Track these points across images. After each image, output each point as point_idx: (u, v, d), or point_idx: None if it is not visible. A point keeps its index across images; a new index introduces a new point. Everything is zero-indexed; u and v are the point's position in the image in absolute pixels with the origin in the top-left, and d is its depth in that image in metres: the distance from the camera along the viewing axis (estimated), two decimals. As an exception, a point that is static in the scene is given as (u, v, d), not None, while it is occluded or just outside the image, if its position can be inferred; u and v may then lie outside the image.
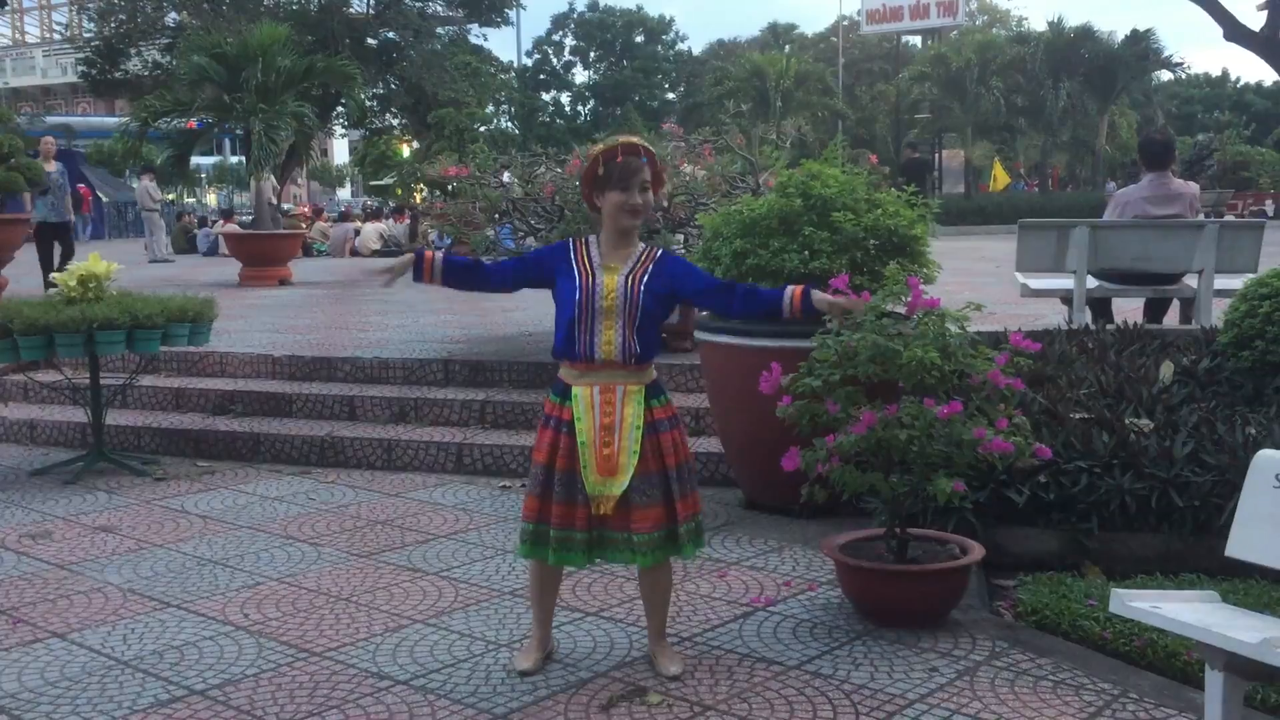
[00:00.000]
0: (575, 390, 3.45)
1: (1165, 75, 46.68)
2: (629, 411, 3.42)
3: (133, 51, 30.73)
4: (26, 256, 13.47)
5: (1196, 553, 4.28)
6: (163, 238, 23.61)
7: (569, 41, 63.50)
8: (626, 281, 3.43)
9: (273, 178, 18.57)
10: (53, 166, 13.87)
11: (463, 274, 3.69)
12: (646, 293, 3.44)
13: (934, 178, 19.75)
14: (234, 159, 42.51)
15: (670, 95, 62.55)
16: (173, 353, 7.81)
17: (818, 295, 3.51)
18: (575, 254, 3.52)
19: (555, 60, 63.51)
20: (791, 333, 4.94)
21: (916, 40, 49.47)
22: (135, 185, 23.68)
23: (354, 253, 24.53)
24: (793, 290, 3.52)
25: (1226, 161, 38.34)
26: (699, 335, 5.59)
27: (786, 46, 53.52)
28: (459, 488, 6.12)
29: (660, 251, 3.57)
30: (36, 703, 3.46)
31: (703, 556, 4.79)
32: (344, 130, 42.10)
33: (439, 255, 3.63)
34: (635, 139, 3.63)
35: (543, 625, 3.70)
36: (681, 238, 7.64)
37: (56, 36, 57.01)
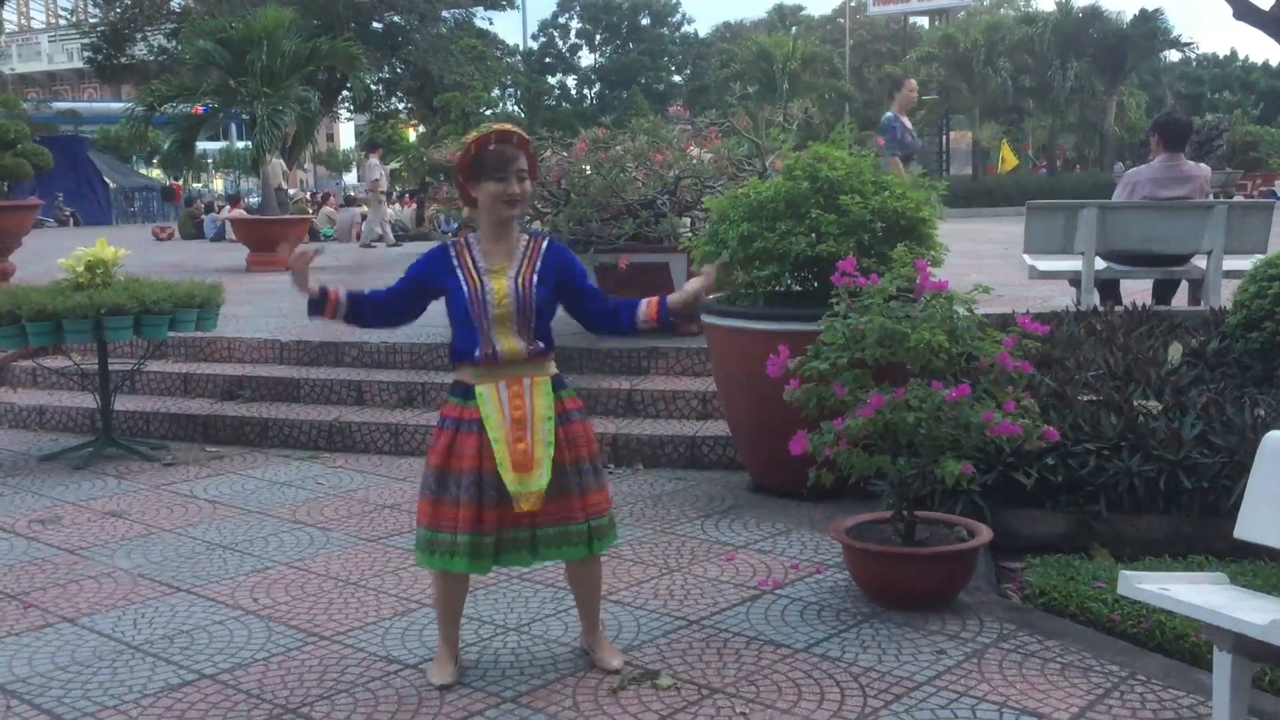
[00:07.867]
0: (480, 389, 3.29)
1: (1174, 55, 46.47)
2: (539, 403, 3.30)
3: (138, 36, 30.84)
4: (33, 243, 13.48)
5: (1205, 535, 4.27)
6: (379, 223, 20.42)
7: (575, 24, 63.44)
8: (517, 284, 3.29)
9: (281, 162, 18.47)
10: None
11: (365, 312, 3.44)
12: (538, 291, 3.30)
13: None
14: (240, 144, 42.58)
15: (676, 78, 62.47)
16: (181, 338, 7.82)
17: (673, 297, 3.38)
18: (459, 258, 3.35)
19: (561, 43, 63.46)
20: (799, 316, 4.95)
21: (924, 21, 49.23)
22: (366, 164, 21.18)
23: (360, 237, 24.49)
24: (647, 301, 3.40)
25: (1235, 141, 38.09)
26: (705, 318, 5.58)
27: (793, 28, 53.41)
28: (467, 472, 6.12)
29: (547, 242, 3.42)
30: (47, 686, 3.48)
31: (710, 539, 4.81)
32: (350, 114, 42.16)
33: (344, 294, 3.39)
34: (509, 126, 3.38)
35: (452, 643, 3.50)
36: (688, 221, 7.62)
37: (62, 22, 57.02)
